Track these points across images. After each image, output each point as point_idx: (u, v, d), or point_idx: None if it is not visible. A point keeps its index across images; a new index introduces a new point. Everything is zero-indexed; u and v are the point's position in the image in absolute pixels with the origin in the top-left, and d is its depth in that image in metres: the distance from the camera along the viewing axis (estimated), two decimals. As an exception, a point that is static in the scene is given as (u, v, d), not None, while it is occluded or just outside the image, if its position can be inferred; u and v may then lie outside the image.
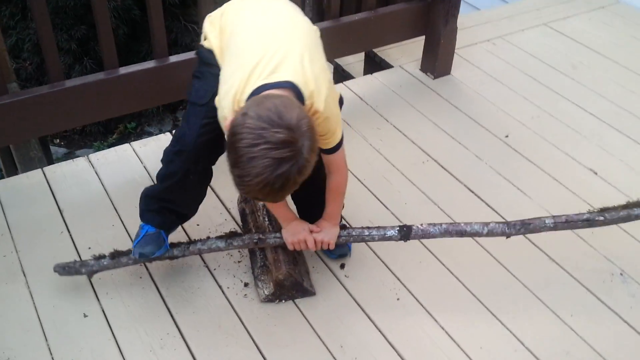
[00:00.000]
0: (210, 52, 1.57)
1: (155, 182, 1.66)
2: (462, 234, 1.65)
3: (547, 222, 1.63)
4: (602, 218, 1.62)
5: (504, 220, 1.77)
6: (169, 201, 1.64)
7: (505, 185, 2.20)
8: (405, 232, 1.65)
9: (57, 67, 1.95)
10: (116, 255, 1.67)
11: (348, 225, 1.86)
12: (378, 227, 1.68)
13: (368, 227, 1.69)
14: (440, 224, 1.66)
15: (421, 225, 1.66)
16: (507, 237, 1.68)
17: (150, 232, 1.67)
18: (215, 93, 1.46)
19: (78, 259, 1.74)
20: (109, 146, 4.45)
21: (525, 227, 1.64)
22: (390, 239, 1.67)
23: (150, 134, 4.73)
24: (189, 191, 1.66)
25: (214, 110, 1.47)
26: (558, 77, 2.83)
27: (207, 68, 1.57)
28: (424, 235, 1.66)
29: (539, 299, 1.77)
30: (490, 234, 1.64)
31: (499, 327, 1.69)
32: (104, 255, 1.68)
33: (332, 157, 1.57)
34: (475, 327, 1.68)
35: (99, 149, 4.36)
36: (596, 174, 2.27)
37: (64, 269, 1.69)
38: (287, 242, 1.67)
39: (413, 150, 2.35)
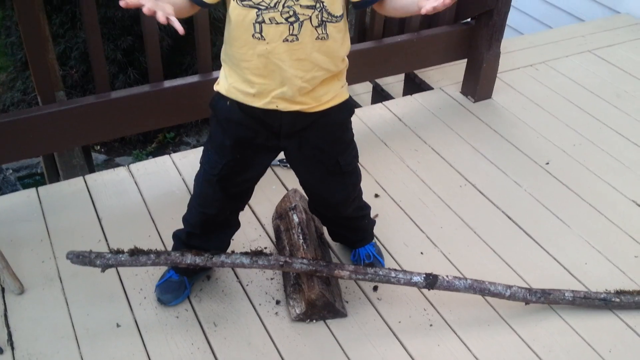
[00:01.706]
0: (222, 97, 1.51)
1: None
2: (484, 292, 1.72)
3: (566, 295, 1.75)
4: (617, 300, 1.78)
5: (527, 287, 1.81)
6: (193, 247, 1.65)
7: (545, 213, 2.16)
8: (431, 281, 1.67)
9: (104, 78, 2.00)
10: (135, 252, 1.61)
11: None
12: (405, 271, 1.69)
13: (395, 270, 1.69)
14: (466, 279, 1.71)
15: (447, 276, 1.69)
16: (525, 304, 1.75)
17: (174, 279, 1.72)
18: (226, 165, 1.51)
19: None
20: (147, 155, 4.54)
21: (546, 296, 1.74)
22: (415, 284, 1.68)
23: (187, 145, 4.80)
24: (212, 241, 1.67)
25: (227, 179, 1.52)
26: (601, 105, 2.79)
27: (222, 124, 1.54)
28: (449, 287, 1.69)
29: (576, 332, 1.73)
30: (512, 297, 1.72)
31: (532, 357, 1.65)
32: (122, 250, 1.61)
33: None
34: (508, 357, 1.65)
35: (137, 157, 4.45)
36: (638, 205, 2.22)
37: (78, 257, 1.59)
38: None
39: (451, 173, 2.33)
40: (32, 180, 4.15)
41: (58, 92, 2.27)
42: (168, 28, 4.22)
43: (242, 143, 1.51)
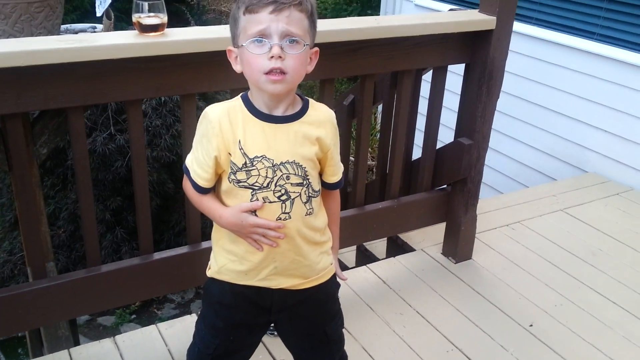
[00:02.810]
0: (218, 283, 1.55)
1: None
2: None
3: None
4: None
5: None
6: None
7: (532, 379, 2.16)
8: None
9: (95, 252, 2.05)
10: None
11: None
12: None
13: None
14: None
15: None
16: None
17: None
18: (220, 344, 1.55)
19: None
20: (131, 314, 4.48)
21: None
22: None
23: (172, 302, 4.76)
24: None
25: (222, 358, 1.55)
26: (578, 264, 2.88)
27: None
28: None
29: None
30: None
31: None
32: None
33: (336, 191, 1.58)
34: None
35: (120, 317, 4.39)
36: (624, 368, 2.24)
37: None
38: (241, 231, 1.43)
39: (437, 338, 2.35)
40: (12, 343, 4.04)
41: (48, 262, 2.32)
42: (157, 189, 4.37)
43: (234, 325, 1.54)
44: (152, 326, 2.31)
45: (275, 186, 1.40)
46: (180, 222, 4.46)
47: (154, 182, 4.29)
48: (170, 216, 4.61)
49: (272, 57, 1.31)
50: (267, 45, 1.31)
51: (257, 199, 1.40)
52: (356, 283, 2.63)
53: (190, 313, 2.42)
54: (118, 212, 4.42)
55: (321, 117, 1.46)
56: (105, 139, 4.21)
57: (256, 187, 1.40)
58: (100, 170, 4.25)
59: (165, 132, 4.38)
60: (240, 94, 1.44)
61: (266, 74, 1.32)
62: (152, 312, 4.53)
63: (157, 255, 2.14)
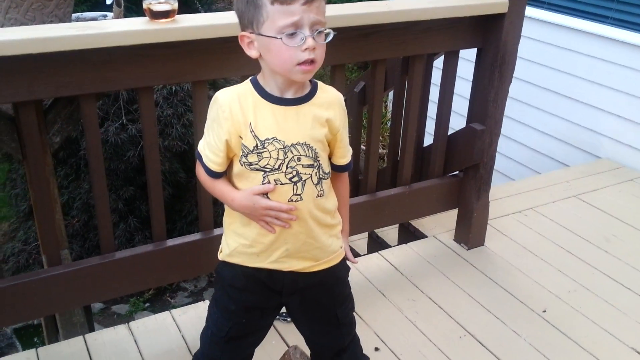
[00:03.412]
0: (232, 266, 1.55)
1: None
2: None
3: None
4: None
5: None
6: None
7: (545, 364, 2.16)
8: None
9: (109, 239, 2.07)
10: None
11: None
12: None
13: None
14: None
15: None
16: None
17: None
18: (233, 327, 1.55)
19: None
20: (145, 302, 4.52)
21: None
22: None
23: (185, 290, 4.80)
24: None
25: (234, 341, 1.55)
26: (592, 249, 2.86)
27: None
28: None
29: None
30: None
31: None
32: None
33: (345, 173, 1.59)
34: None
35: (135, 305, 4.42)
36: (638, 352, 2.22)
37: None
38: (253, 213, 1.44)
39: (449, 324, 2.35)
40: (29, 332, 4.10)
41: (63, 250, 2.34)
42: (170, 178, 4.39)
43: (247, 308, 1.55)
44: (166, 312, 2.33)
45: (287, 168, 1.40)
46: (192, 211, 4.48)
47: (165, 171, 4.31)
48: (183, 205, 4.63)
49: (306, 49, 1.32)
50: (299, 37, 1.31)
51: (269, 181, 1.41)
52: (368, 270, 2.63)
53: (203, 300, 2.44)
54: (131, 202, 4.44)
55: (330, 99, 1.46)
56: (117, 128, 4.23)
57: (267, 169, 1.40)
58: (112, 160, 4.27)
59: (176, 121, 4.39)
60: (250, 78, 1.44)
61: (299, 64, 1.33)
62: (166, 301, 4.57)
63: (170, 242, 2.15)
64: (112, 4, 2.05)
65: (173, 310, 2.34)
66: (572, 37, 3.95)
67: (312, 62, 1.34)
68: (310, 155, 1.42)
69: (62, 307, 2.17)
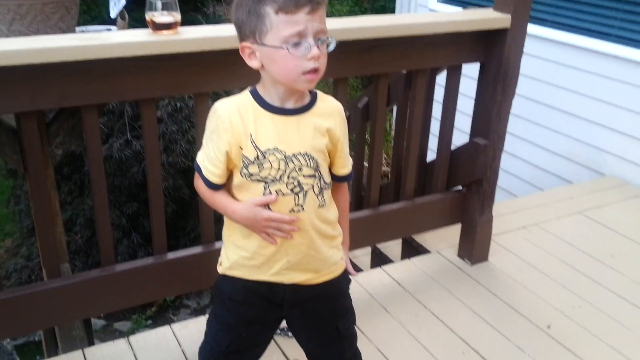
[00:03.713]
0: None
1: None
2: None
3: None
4: None
5: None
6: None
7: (550, 381, 2.13)
8: None
9: (110, 251, 2.06)
10: None
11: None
12: None
13: None
14: None
15: None
16: None
17: None
18: (233, 341, 1.53)
19: None
20: (147, 319, 4.50)
21: None
22: None
23: (187, 307, 4.78)
24: None
25: (234, 355, 1.54)
26: (597, 265, 2.83)
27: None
28: None
29: None
30: None
31: None
32: None
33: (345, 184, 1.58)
34: None
35: (137, 323, 4.40)
36: (645, 370, 2.19)
37: None
38: (254, 225, 1.43)
39: (453, 339, 2.32)
40: (30, 348, 4.08)
41: (63, 264, 2.33)
42: (173, 194, 4.40)
43: (247, 322, 1.53)
44: (166, 327, 2.31)
45: (288, 178, 1.40)
46: (195, 227, 4.48)
47: (169, 187, 4.32)
48: (186, 222, 4.63)
49: (311, 57, 1.32)
50: (304, 46, 1.31)
51: (270, 192, 1.40)
52: (371, 285, 2.61)
53: (204, 315, 2.42)
54: (134, 218, 4.45)
55: (330, 108, 1.46)
56: (121, 145, 4.25)
57: (269, 180, 1.39)
58: (116, 175, 4.29)
59: (180, 137, 4.41)
60: (249, 89, 1.44)
61: (304, 73, 1.33)
62: (168, 318, 4.55)
63: (171, 255, 2.14)
64: (116, 17, 2.07)
65: (173, 325, 2.32)
66: (576, 54, 3.96)
67: (316, 70, 1.34)
68: (312, 165, 1.42)
69: (61, 320, 2.15)
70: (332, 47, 1.37)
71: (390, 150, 5.06)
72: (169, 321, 4.37)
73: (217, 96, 1.68)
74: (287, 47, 1.31)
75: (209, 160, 1.43)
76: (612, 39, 3.79)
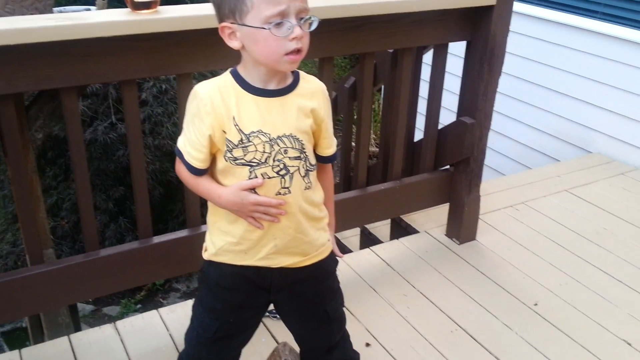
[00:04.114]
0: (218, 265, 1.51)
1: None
2: None
3: None
4: None
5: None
6: None
7: (537, 356, 2.14)
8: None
9: (93, 237, 2.03)
10: None
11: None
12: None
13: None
14: None
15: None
16: None
17: None
18: (220, 327, 1.51)
19: None
20: (136, 303, 4.48)
21: None
22: None
23: (177, 291, 4.76)
24: None
25: (222, 341, 1.52)
26: (583, 243, 2.84)
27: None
28: None
29: None
30: None
31: None
32: None
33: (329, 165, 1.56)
34: None
35: (126, 307, 4.38)
36: (630, 344, 2.20)
37: None
38: (241, 210, 1.40)
39: (441, 318, 2.32)
40: (19, 334, 4.05)
41: (47, 249, 2.31)
42: (160, 177, 4.35)
43: (235, 307, 1.51)
44: (154, 311, 2.29)
45: (274, 161, 1.37)
46: (184, 211, 4.44)
47: (156, 170, 4.27)
48: (175, 205, 4.59)
49: (294, 38, 1.29)
50: (286, 26, 1.28)
51: (256, 176, 1.37)
52: (360, 265, 2.60)
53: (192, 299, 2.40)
54: (121, 202, 4.41)
55: (313, 89, 1.43)
56: (106, 128, 4.19)
57: (254, 164, 1.37)
58: (102, 159, 4.23)
59: (167, 120, 4.36)
60: (229, 70, 1.40)
61: (287, 54, 1.30)
62: (158, 302, 4.53)
63: (157, 239, 2.12)
64: (95, -3, 2.02)
65: (161, 309, 2.31)
66: (563, 32, 3.94)
67: (299, 51, 1.31)
68: (297, 147, 1.39)
69: (46, 307, 2.13)
70: (314, 25, 1.34)
71: (379, 130, 5.04)
72: (158, 305, 4.35)
73: (202, 77, 1.66)
74: (269, 27, 1.27)
75: (191, 144, 1.40)
76: (599, 16, 3.77)
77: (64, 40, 1.62)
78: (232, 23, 1.32)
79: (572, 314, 2.36)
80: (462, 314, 2.34)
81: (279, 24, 1.28)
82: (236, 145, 1.36)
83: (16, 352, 2.05)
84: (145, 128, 4.20)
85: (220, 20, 1.35)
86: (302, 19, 1.30)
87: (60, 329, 2.30)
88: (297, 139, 1.39)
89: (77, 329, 2.44)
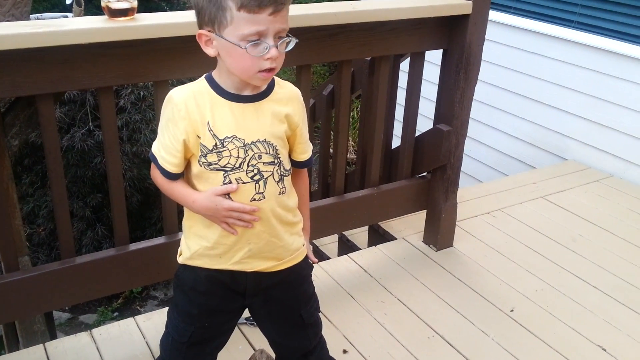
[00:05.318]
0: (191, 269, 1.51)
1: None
2: None
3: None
4: None
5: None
6: None
7: (513, 363, 2.16)
8: None
9: (70, 244, 2.02)
10: None
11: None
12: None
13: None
14: None
15: None
16: None
17: None
18: (195, 331, 1.51)
19: None
20: (113, 311, 4.44)
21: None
22: None
23: (155, 298, 4.72)
24: None
25: (197, 346, 1.51)
26: (559, 249, 2.88)
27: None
28: None
29: None
30: None
31: None
32: None
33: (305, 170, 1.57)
34: None
35: (103, 315, 4.34)
36: (605, 350, 2.24)
37: None
38: (215, 215, 1.40)
39: (418, 325, 2.34)
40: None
41: (23, 257, 2.28)
42: (138, 184, 4.33)
43: (210, 311, 1.52)
44: (130, 319, 2.28)
45: (248, 166, 1.38)
46: (162, 218, 4.42)
47: (134, 177, 4.25)
48: (152, 213, 4.56)
49: (269, 58, 1.30)
50: (263, 46, 1.29)
51: (230, 181, 1.38)
52: (337, 272, 2.61)
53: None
54: (99, 209, 4.37)
55: (288, 94, 1.45)
56: (83, 134, 4.17)
57: (228, 169, 1.38)
58: (79, 166, 4.20)
59: (145, 127, 4.34)
60: (204, 75, 1.41)
61: (260, 72, 1.32)
62: (135, 310, 4.49)
63: (133, 246, 2.11)
64: (71, 3, 2.01)
65: (137, 317, 2.29)
66: (538, 41, 4.00)
67: (272, 70, 1.33)
68: (271, 152, 1.40)
69: (21, 315, 2.10)
70: (291, 46, 1.35)
71: (357, 137, 5.06)
72: (135, 313, 4.32)
73: (180, 84, 1.66)
74: (246, 46, 1.28)
75: (165, 149, 1.40)
76: (574, 25, 3.84)
77: (40, 47, 1.62)
78: (209, 31, 1.33)
79: (548, 320, 2.39)
80: (439, 320, 2.36)
81: (255, 43, 1.29)
82: (210, 151, 1.37)
83: (-11, 361, 2.03)
84: (123, 135, 4.18)
85: (200, 26, 1.36)
86: (280, 37, 1.31)
87: (36, 337, 2.27)
88: (271, 144, 1.40)
89: (53, 337, 2.41)
